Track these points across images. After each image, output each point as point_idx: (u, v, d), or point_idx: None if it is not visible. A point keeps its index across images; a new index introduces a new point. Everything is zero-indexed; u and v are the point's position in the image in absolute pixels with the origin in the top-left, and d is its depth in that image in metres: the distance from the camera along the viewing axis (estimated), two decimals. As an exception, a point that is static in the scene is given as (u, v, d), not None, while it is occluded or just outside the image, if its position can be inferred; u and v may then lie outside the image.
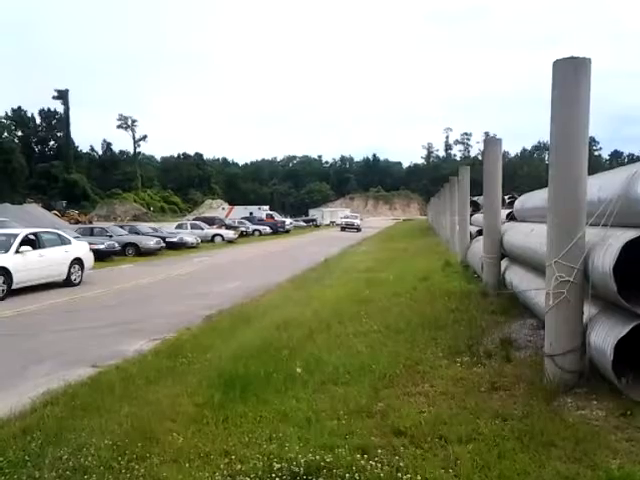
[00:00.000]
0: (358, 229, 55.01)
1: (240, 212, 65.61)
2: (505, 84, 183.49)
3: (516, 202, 10.07)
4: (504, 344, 6.08)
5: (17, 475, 3.69)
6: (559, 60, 4.81)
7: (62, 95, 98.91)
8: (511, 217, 10.36)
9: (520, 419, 4.18)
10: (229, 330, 8.56)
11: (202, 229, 36.01)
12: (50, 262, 14.53)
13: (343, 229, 55.38)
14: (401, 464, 3.55)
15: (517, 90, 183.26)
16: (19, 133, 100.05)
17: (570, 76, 4.76)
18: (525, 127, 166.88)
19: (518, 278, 8.01)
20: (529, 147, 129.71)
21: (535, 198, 8.33)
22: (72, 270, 15.33)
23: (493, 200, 9.49)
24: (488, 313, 7.56)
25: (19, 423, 4.75)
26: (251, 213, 61.78)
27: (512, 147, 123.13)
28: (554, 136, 4.89)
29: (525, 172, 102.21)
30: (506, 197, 13.26)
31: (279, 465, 3.58)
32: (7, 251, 13.51)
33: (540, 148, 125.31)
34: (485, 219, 9.67)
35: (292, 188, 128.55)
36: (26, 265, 13.62)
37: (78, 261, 15.64)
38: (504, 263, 9.24)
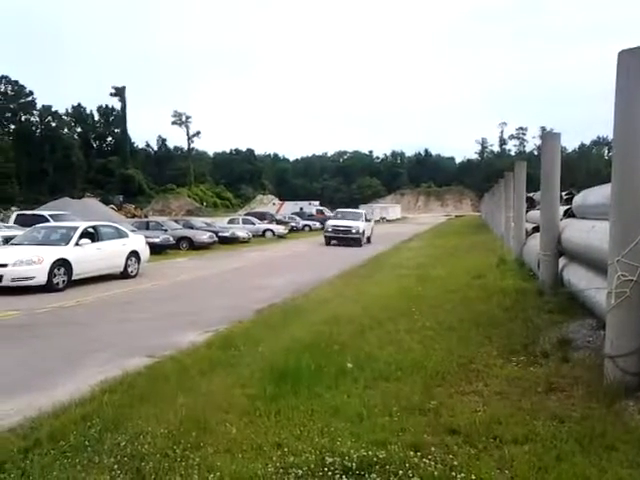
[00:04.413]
0: (358, 240, 29.23)
1: (290, 207, 66.17)
2: (562, 77, 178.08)
3: (575, 198, 9.73)
4: (562, 344, 5.89)
5: (78, 459, 3.81)
6: (624, 51, 4.62)
7: (119, 92, 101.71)
8: (569, 214, 10.04)
9: (579, 421, 4.04)
10: (280, 324, 8.61)
11: (253, 224, 36.44)
12: (108, 254, 14.98)
13: (329, 241, 30.08)
14: (455, 463, 3.49)
15: (575, 83, 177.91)
16: (78, 129, 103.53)
17: (635, 67, 4.56)
18: (583, 121, 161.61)
19: (577, 276, 7.76)
20: (587, 142, 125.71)
21: (596, 194, 8.04)
22: (129, 262, 15.76)
23: (551, 196, 9.23)
24: (545, 312, 7.35)
25: (79, 410, 4.90)
26: (301, 208, 62.17)
27: (569, 142, 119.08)
28: (618, 129, 4.70)
29: (584, 167, 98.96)
30: (563, 193, 12.86)
31: (331, 459, 3.57)
32: (67, 243, 14.02)
33: (599, 143, 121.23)
34: (542, 215, 9.41)
35: (342, 184, 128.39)
36: (85, 257, 14.09)
37: (135, 254, 16.07)
38: (562, 261, 8.97)
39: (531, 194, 16.07)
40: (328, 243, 30.08)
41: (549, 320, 6.95)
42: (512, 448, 3.69)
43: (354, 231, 29.48)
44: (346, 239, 29.28)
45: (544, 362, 5.49)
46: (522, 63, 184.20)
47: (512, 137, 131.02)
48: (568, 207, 10.19)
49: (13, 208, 36.71)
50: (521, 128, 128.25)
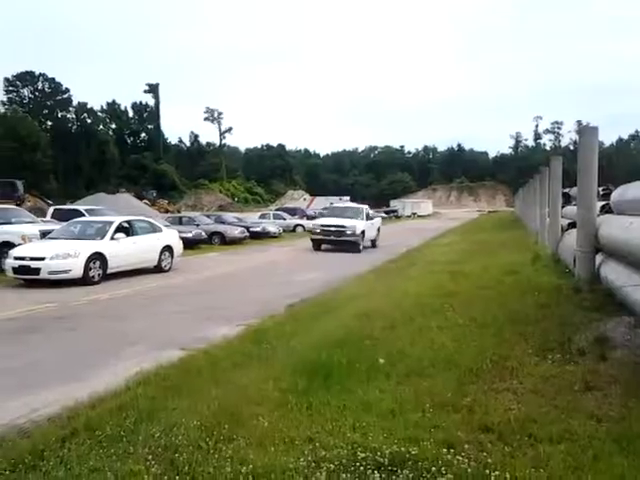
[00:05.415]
0: (355, 244, 22.82)
1: (321, 203, 66.05)
2: (599, 71, 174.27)
3: (613, 194, 9.51)
4: (599, 342, 5.76)
5: (114, 449, 3.88)
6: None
7: (153, 89, 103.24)
8: (606, 210, 9.82)
9: (617, 421, 3.96)
10: (311, 319, 8.63)
11: (284, 219, 36.63)
12: (142, 249, 15.21)
13: (318, 245, 23.58)
14: (489, 461, 3.45)
15: (612, 77, 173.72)
16: (113, 126, 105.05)
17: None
18: (621, 115, 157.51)
19: (615, 273, 7.58)
20: (625, 136, 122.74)
21: (635, 189, 7.84)
22: (162, 257, 15.98)
23: (588, 192, 9.03)
24: (581, 309, 7.18)
25: (114, 401, 5.00)
26: (331, 204, 61.92)
27: (607, 136, 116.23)
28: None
29: (621, 162, 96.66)
30: (600, 189, 12.58)
31: (363, 454, 3.57)
32: (103, 238, 14.29)
33: (637, 137, 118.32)
34: (579, 211, 9.22)
35: (373, 179, 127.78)
36: (120, 251, 14.34)
37: (168, 248, 16.29)
38: (599, 257, 8.78)
39: (566, 189, 15.79)
40: (318, 247, 23.53)
41: (586, 318, 6.79)
42: (547, 447, 3.63)
43: (349, 232, 22.76)
44: (340, 242, 22.91)
45: (580, 360, 5.37)
46: (558, 56, 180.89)
47: (547, 131, 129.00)
48: (605, 203, 9.99)
49: (68, 202, 37.51)
50: (556, 122, 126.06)
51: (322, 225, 23.72)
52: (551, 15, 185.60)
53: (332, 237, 23.12)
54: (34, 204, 35.98)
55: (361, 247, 23.15)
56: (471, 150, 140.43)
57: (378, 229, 26.66)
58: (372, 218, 26.28)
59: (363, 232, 23.49)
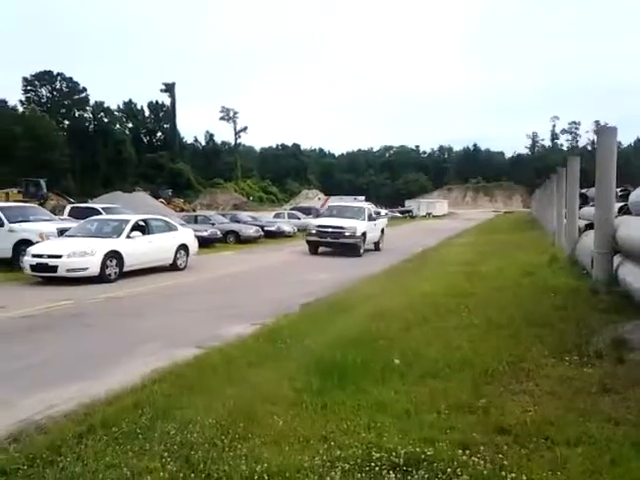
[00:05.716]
0: (355, 247, 20.73)
1: (335, 202, 65.91)
2: (617, 70, 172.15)
3: (632, 194, 9.41)
4: (616, 344, 5.70)
5: (130, 446, 3.91)
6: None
7: (169, 88, 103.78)
8: (624, 211, 9.72)
9: (635, 424, 3.92)
10: (325, 318, 8.61)
11: (299, 219, 36.60)
12: (158, 247, 15.29)
13: (315, 248, 21.39)
14: (505, 462, 3.43)
15: (630, 76, 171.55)
16: (129, 125, 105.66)
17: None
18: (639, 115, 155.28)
19: (633, 275, 7.50)
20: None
21: (654, 190, 7.77)
22: (178, 255, 16.05)
23: (606, 193, 8.95)
24: (598, 311, 7.12)
25: (130, 398, 5.02)
26: (345, 204, 61.65)
27: (624, 136, 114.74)
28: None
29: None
30: (618, 190, 12.45)
31: (378, 454, 3.56)
32: (119, 236, 14.39)
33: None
34: (597, 212, 9.14)
35: (388, 179, 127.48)
36: (136, 249, 14.42)
37: (184, 247, 16.36)
38: (617, 259, 8.70)
39: (584, 190, 15.65)
40: (314, 251, 21.39)
41: (603, 320, 6.74)
42: (564, 450, 3.60)
43: (348, 234, 20.57)
44: (338, 245, 20.87)
45: (598, 363, 5.33)
46: (574, 56, 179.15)
47: (564, 131, 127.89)
48: (624, 204, 9.89)
49: (90, 200, 37.94)
50: (574, 122, 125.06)
51: (318, 226, 21.41)
52: (566, 15, 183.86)
53: (329, 239, 20.91)
54: (57, 203, 36.47)
55: (362, 250, 21.12)
56: (487, 150, 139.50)
57: (382, 230, 24.47)
58: (375, 219, 24.05)
59: (364, 234, 21.42)
